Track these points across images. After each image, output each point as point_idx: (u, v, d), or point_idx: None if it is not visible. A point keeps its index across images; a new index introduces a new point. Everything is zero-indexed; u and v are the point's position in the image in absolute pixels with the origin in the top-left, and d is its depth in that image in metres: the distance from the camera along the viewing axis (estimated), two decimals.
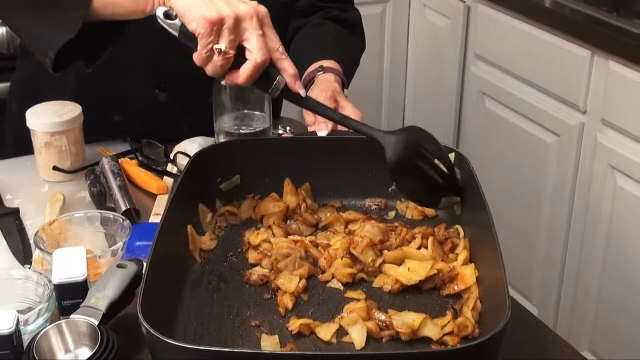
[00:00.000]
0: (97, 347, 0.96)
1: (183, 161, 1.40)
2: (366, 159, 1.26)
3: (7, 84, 1.74)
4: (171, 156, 1.47)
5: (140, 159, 1.48)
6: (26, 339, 1.00)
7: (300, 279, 1.10)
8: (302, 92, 1.14)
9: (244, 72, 1.11)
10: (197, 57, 1.11)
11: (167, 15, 1.12)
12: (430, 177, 1.14)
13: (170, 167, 1.47)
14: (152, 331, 0.87)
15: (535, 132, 2.37)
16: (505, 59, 2.48)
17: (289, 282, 1.09)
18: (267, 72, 1.12)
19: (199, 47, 1.10)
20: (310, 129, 1.38)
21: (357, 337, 1.00)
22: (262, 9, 1.14)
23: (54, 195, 1.38)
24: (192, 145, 1.47)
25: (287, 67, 1.14)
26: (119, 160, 1.45)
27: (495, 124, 2.56)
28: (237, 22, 1.09)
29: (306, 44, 1.60)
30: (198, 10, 1.08)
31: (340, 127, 1.36)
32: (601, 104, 2.13)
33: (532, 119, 2.38)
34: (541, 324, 1.17)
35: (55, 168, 1.44)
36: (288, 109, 1.78)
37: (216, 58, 1.10)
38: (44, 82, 1.59)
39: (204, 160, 1.23)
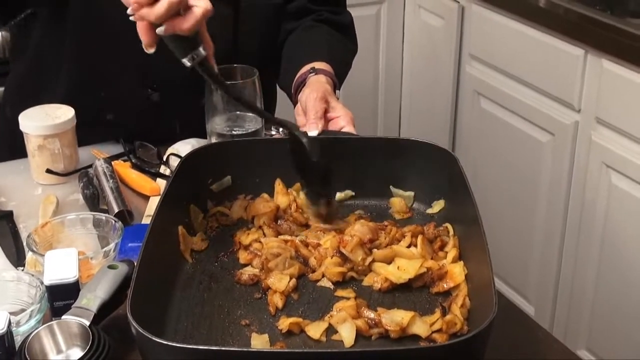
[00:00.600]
0: (88, 347, 0.96)
1: (176, 163, 1.40)
2: (355, 158, 1.27)
3: (1, 89, 1.75)
4: (164, 158, 1.48)
5: (133, 161, 1.48)
6: (18, 340, 1.01)
7: (291, 278, 1.10)
8: (215, 68, 1.13)
9: (192, 17, 1.06)
10: None
11: None
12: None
13: (163, 169, 1.47)
14: (141, 331, 0.88)
15: (530, 131, 2.38)
16: (500, 59, 2.49)
17: (279, 281, 1.09)
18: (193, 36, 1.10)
19: None
20: (303, 129, 1.38)
21: (347, 335, 1.01)
22: None
23: (47, 198, 1.39)
24: (185, 147, 1.48)
25: (209, 40, 1.12)
26: (112, 163, 1.46)
27: (491, 124, 2.56)
28: None
29: (298, 46, 1.61)
30: None
31: (330, 127, 1.36)
32: (595, 102, 2.14)
33: (527, 118, 2.39)
34: (533, 322, 1.18)
35: (48, 171, 1.44)
36: (281, 110, 1.78)
37: None
38: (36, 85, 1.59)
39: (194, 161, 1.24)
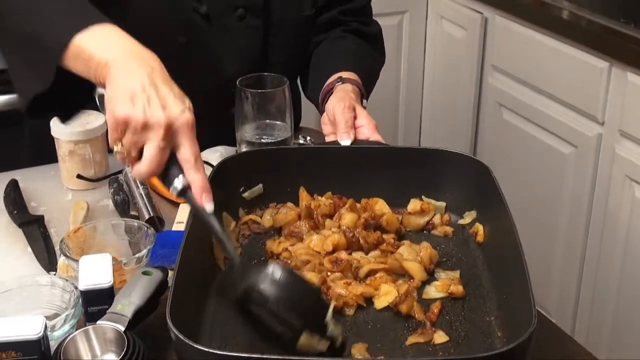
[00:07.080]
0: (123, 353, 0.97)
1: (205, 170, 1.40)
2: (387, 168, 1.27)
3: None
4: None
5: None
6: (53, 344, 1.01)
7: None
8: (207, 207, 1.06)
9: (134, 172, 1.09)
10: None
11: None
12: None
13: None
14: (181, 337, 0.88)
15: (552, 143, 2.37)
16: (523, 71, 2.49)
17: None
18: (168, 172, 1.07)
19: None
20: (329, 138, 1.39)
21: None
22: (185, 119, 1.09)
23: (77, 203, 1.40)
24: (213, 155, 1.48)
25: (195, 180, 1.08)
26: None
27: (513, 136, 2.56)
28: (145, 127, 1.06)
29: (326, 57, 1.62)
30: (113, 104, 1.07)
31: (359, 137, 1.36)
32: (619, 115, 2.13)
33: (549, 130, 2.38)
34: (561, 332, 1.17)
35: (79, 176, 1.45)
36: (308, 119, 1.79)
37: (114, 151, 1.10)
38: None
39: (227, 170, 1.25)
